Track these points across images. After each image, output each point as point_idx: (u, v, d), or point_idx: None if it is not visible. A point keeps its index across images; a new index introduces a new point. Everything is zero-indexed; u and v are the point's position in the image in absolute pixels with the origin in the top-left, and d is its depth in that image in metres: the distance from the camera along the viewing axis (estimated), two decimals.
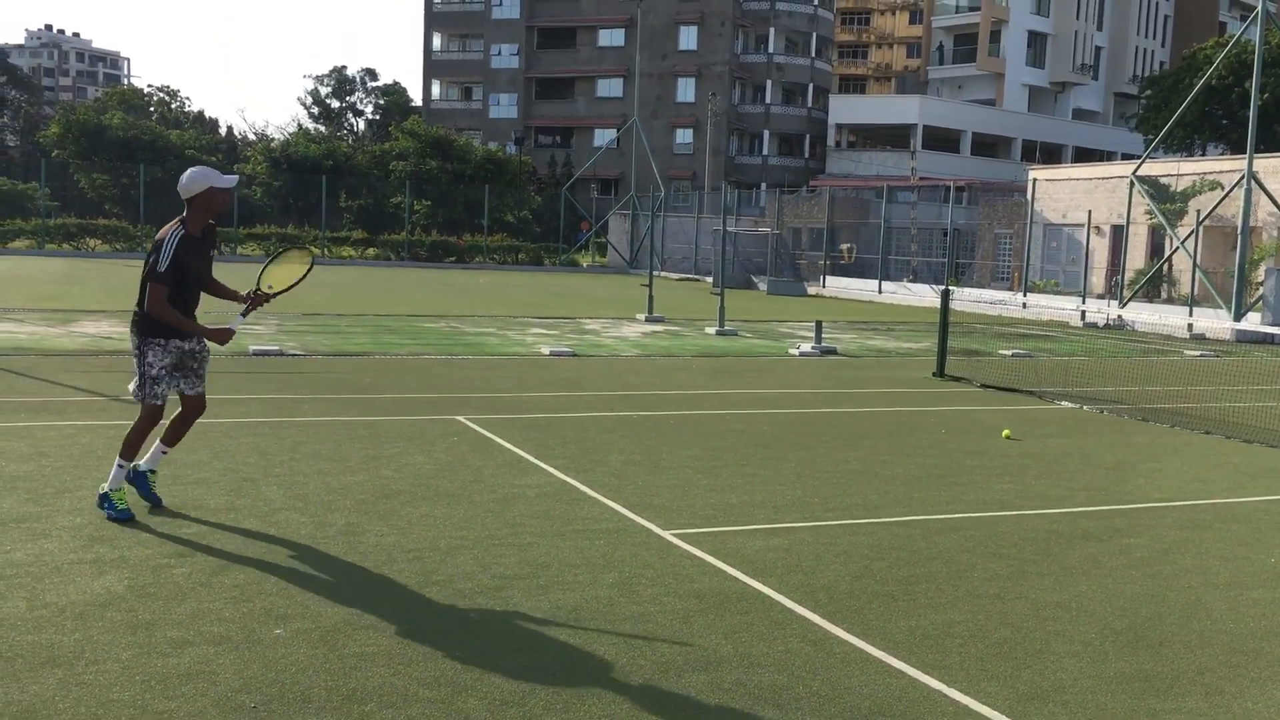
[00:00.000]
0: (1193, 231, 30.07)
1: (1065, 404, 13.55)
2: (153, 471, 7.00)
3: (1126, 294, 31.98)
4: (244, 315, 7.06)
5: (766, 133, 76.99)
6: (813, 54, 78.31)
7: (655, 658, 4.82)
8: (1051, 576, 6.28)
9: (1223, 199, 29.68)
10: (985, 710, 4.44)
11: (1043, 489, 8.61)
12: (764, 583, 5.93)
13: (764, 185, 70.17)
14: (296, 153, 59.03)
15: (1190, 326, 25.84)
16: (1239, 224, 27.45)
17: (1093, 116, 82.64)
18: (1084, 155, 72.99)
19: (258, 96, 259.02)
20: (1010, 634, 5.31)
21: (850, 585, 5.96)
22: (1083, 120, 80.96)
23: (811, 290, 41.55)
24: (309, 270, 7.24)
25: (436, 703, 4.29)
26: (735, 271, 40.83)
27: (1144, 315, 26.63)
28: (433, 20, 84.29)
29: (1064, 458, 9.99)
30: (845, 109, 76.81)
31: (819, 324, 19.61)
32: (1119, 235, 34.63)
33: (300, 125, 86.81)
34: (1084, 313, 28.91)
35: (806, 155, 77.45)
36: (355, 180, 58.03)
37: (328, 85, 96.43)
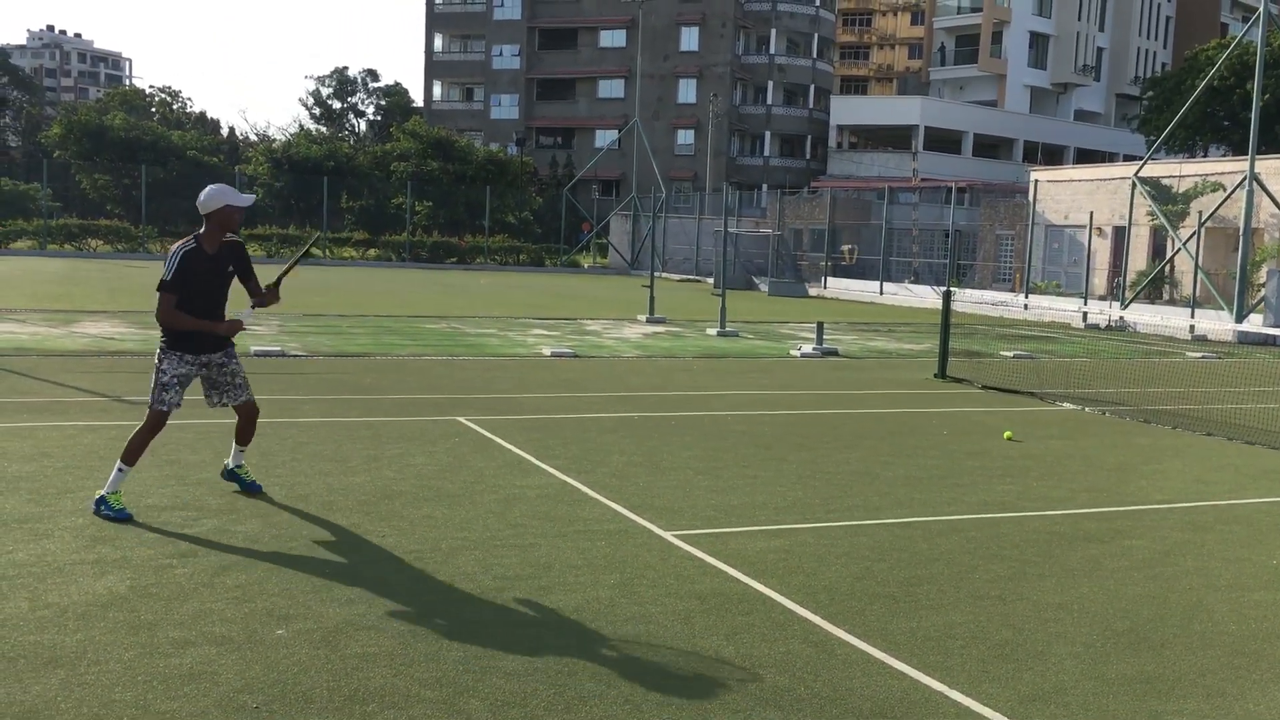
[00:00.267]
0: (1194, 233, 30.06)
1: (1067, 405, 13.55)
2: (240, 466, 7.39)
3: (1128, 295, 31.97)
4: (253, 308, 7.09)
5: (768, 134, 76.99)
6: (814, 55, 78.32)
7: (657, 659, 4.82)
8: (1053, 578, 6.28)
9: (1224, 200, 29.67)
10: (987, 712, 4.44)
11: (1044, 490, 8.61)
12: (765, 584, 5.93)
13: (765, 186, 70.19)
14: (298, 153, 59.03)
15: (1192, 328, 25.83)
16: (1241, 225, 27.44)
17: (1094, 118, 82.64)
18: (1086, 156, 72.98)
19: (259, 97, 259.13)
20: (1012, 635, 5.31)
21: (852, 586, 5.96)
22: (1084, 121, 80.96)
23: (813, 291, 41.55)
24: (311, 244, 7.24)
25: (438, 703, 4.29)
26: (736, 273, 40.83)
27: (1146, 317, 26.61)
28: (434, 21, 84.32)
29: (1066, 459, 9.98)
30: (847, 110, 76.83)
31: (820, 325, 19.61)
32: (1121, 236, 34.62)
33: (302, 126, 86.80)
34: (1086, 314, 28.90)
35: (808, 156, 77.45)
36: (356, 181, 58.03)
37: (329, 86, 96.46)
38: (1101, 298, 35.01)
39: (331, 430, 9.81)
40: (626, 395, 12.91)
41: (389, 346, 16.63)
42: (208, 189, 6.86)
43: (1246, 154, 27.87)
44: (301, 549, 6.20)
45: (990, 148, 75.45)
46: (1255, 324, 25.49)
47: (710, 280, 43.40)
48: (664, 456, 9.24)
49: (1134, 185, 31.85)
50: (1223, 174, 32.82)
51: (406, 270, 46.96)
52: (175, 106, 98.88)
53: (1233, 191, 28.90)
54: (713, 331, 21.70)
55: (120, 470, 6.75)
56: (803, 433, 10.81)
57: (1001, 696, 4.59)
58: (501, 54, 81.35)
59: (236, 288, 7.17)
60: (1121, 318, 28.00)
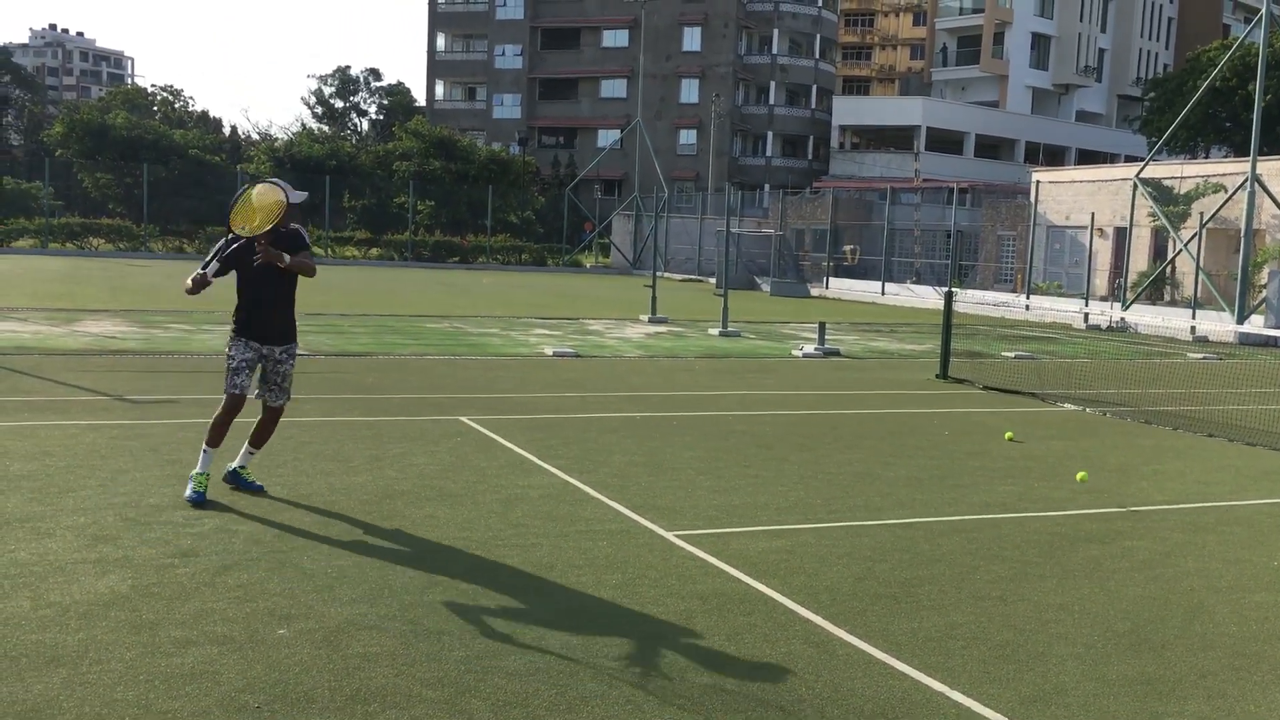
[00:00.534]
0: (1196, 234, 30.05)
1: (1068, 406, 13.55)
2: (243, 467, 7.51)
3: (1129, 296, 31.96)
4: (205, 265, 7.11)
5: (770, 134, 76.96)
6: (816, 55, 78.29)
7: (659, 659, 4.83)
8: (1054, 579, 6.28)
9: (1226, 201, 29.65)
10: (988, 713, 4.44)
11: (1045, 491, 8.61)
12: (767, 584, 5.93)
13: (767, 186, 70.14)
14: (300, 152, 59.03)
15: (1193, 329, 25.82)
16: (1242, 226, 27.43)
17: (1096, 118, 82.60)
18: (1087, 157, 72.94)
19: (262, 96, 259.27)
20: (1013, 636, 5.31)
21: (853, 587, 5.96)
22: (1086, 122, 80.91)
23: (814, 291, 41.55)
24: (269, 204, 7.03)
25: (440, 703, 4.30)
26: (738, 273, 40.82)
27: (1147, 318, 26.61)
28: (437, 20, 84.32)
29: (1067, 460, 9.98)
30: (849, 110, 76.80)
31: (822, 325, 19.61)
32: (1122, 237, 34.61)
33: (304, 125, 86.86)
34: (1087, 315, 28.90)
35: (810, 156, 77.43)
36: (359, 180, 58.03)
37: (331, 85, 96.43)
38: (1103, 299, 35.00)
39: (333, 430, 9.82)
40: (628, 395, 12.92)
41: (391, 346, 16.64)
42: (261, 184, 7.18)
43: (1248, 155, 27.85)
44: (303, 549, 6.21)
45: (992, 148, 75.42)
46: (1256, 325, 25.46)
47: (712, 280, 43.40)
48: (666, 457, 9.25)
49: (1135, 186, 31.83)
50: (1224, 175, 32.81)
51: (409, 270, 46.97)
52: (177, 105, 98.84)
53: (1234, 193, 28.88)
54: (715, 331, 21.70)
55: (206, 452, 7.12)
56: (804, 433, 10.81)
57: (1002, 697, 4.59)
58: (504, 53, 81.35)
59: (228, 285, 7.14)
60: (1123, 319, 27.99)
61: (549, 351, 16.90)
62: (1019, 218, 42.18)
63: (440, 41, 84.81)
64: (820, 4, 78.07)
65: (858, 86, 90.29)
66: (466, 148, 61.17)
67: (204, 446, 7.14)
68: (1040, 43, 78.67)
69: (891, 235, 42.03)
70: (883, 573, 6.25)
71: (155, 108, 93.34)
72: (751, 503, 7.77)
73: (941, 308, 16.31)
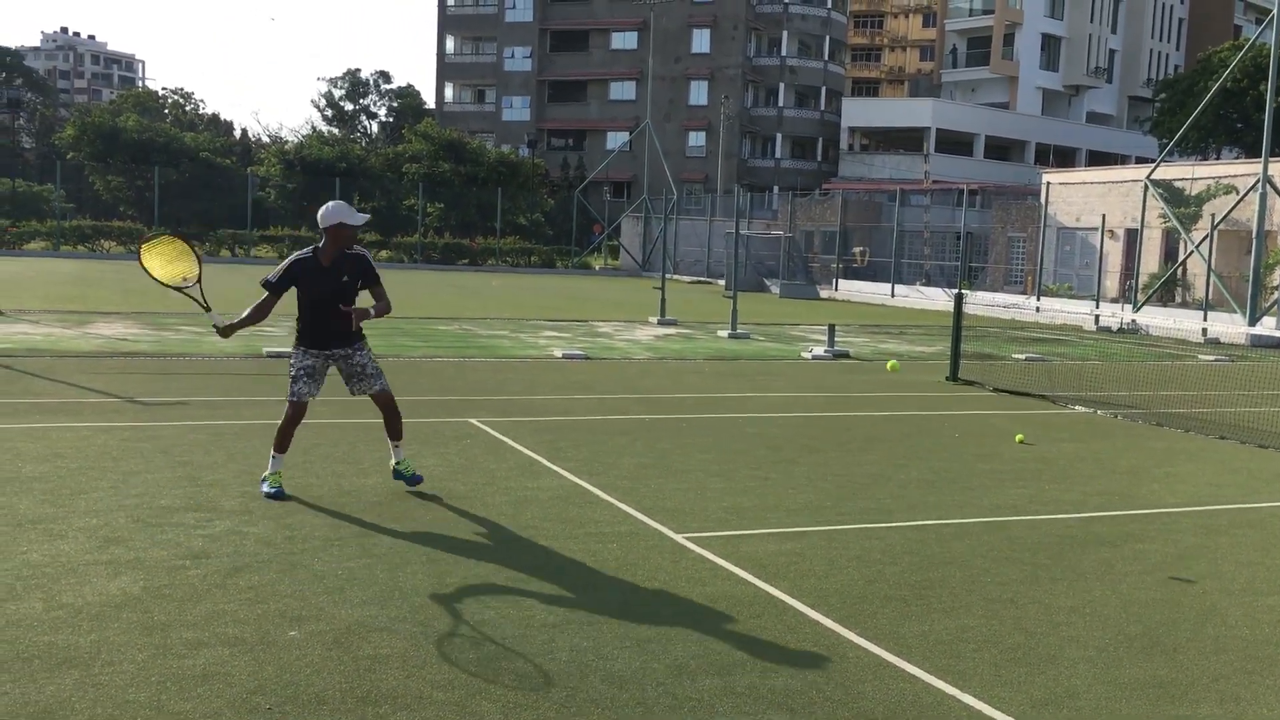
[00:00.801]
0: (1207, 235, 29.95)
1: (1079, 408, 13.52)
2: (400, 461, 7.67)
3: (1140, 298, 31.86)
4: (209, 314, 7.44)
5: (779, 136, 76.93)
6: (826, 57, 78.24)
7: (668, 661, 4.83)
8: (1065, 582, 6.27)
9: (1237, 203, 29.56)
10: (999, 716, 4.43)
11: (1056, 494, 8.59)
12: (777, 587, 5.93)
13: (776, 188, 70.14)
14: (310, 155, 59.18)
15: (1204, 331, 25.74)
16: (1254, 228, 27.33)
17: (1107, 120, 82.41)
18: (1098, 159, 72.79)
19: (272, 99, 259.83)
20: (1024, 639, 5.30)
21: (863, 590, 5.95)
22: (1097, 123, 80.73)
23: (824, 293, 41.50)
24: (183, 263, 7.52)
25: (450, 705, 4.30)
26: (748, 274, 40.82)
27: (1158, 319, 26.53)
28: (446, 23, 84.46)
29: (1078, 462, 9.96)
30: (858, 112, 76.74)
31: (831, 327, 19.59)
32: (1133, 239, 34.51)
33: (314, 128, 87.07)
34: (1098, 317, 28.82)
35: (819, 158, 77.38)
36: (368, 182, 58.16)
37: (341, 88, 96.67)
38: (1113, 300, 34.90)
39: (343, 432, 9.84)
40: (638, 397, 12.92)
41: (401, 348, 16.66)
42: (326, 205, 7.33)
43: (1259, 156, 27.74)
44: (314, 550, 6.22)
45: (1002, 150, 75.29)
46: (1268, 327, 25.37)
47: (721, 282, 43.39)
48: (675, 459, 9.24)
49: (1146, 188, 31.74)
50: (1236, 176, 32.69)
51: (418, 271, 47.05)
52: (188, 108, 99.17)
53: (1246, 194, 28.79)
54: (724, 333, 21.69)
55: (274, 457, 7.36)
56: (814, 435, 10.80)
57: (1014, 701, 4.58)
58: (513, 56, 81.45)
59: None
60: (1134, 320, 27.91)
61: (558, 354, 16.91)
62: (1029, 219, 42.09)
63: (450, 44, 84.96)
64: (829, 6, 78.01)
65: (867, 88, 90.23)
66: (476, 150, 61.27)
67: (272, 452, 7.38)
68: (1050, 44, 78.51)
69: (901, 237, 41.98)
70: (893, 575, 6.24)
71: (166, 111, 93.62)
72: (761, 505, 7.76)
73: (951, 309, 16.28)
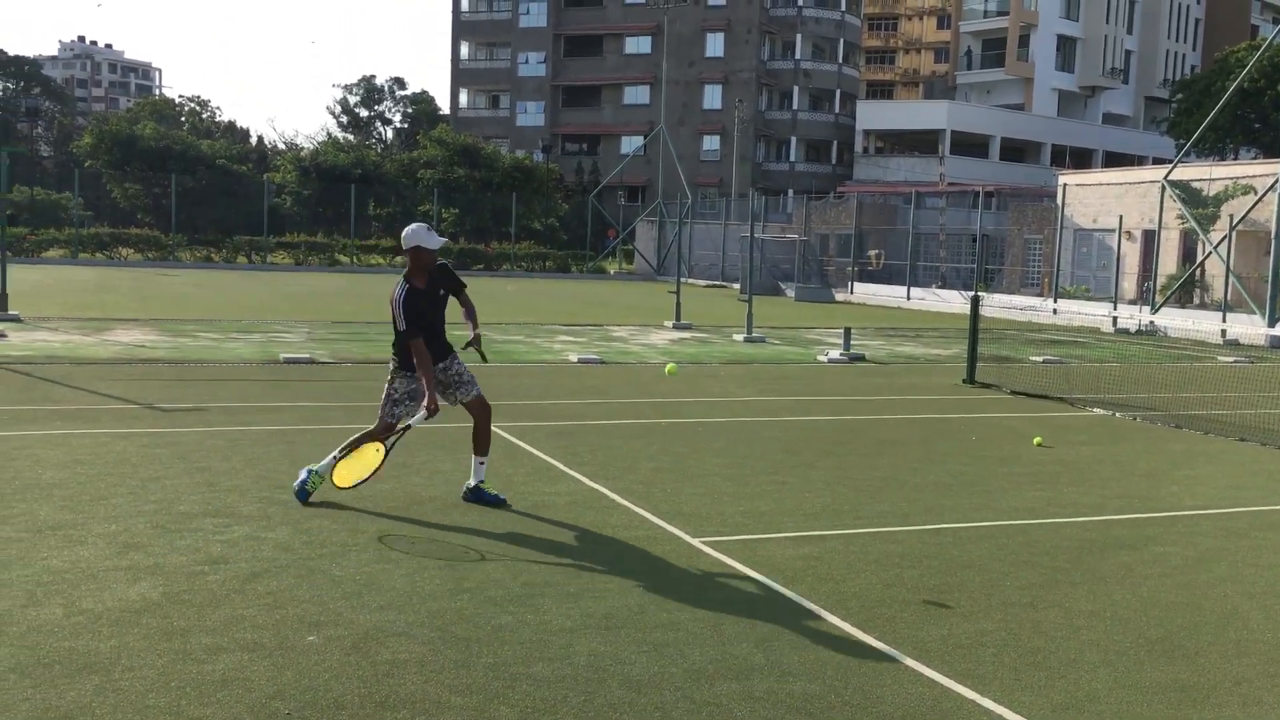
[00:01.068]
0: (1225, 236, 29.78)
1: (1097, 411, 13.45)
2: (483, 481, 7.58)
3: (1158, 299, 31.70)
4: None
5: (794, 139, 76.85)
6: (840, 60, 78.14)
7: (686, 666, 4.82)
8: (1085, 585, 6.23)
9: (1256, 203, 29.37)
10: None
11: (1075, 497, 8.54)
12: (795, 591, 5.91)
13: (791, 192, 70.04)
14: (326, 162, 59.40)
15: (1224, 332, 25.58)
16: (1273, 228, 27.16)
17: (1123, 121, 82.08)
18: (1114, 160, 72.47)
19: (287, 106, 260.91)
20: (1044, 643, 5.27)
21: (882, 594, 5.93)
22: (1113, 124, 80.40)
23: (839, 297, 41.42)
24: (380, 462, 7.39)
25: (468, 710, 4.30)
26: (763, 278, 40.76)
27: (1176, 321, 26.38)
28: (460, 29, 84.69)
29: (1096, 465, 9.91)
30: (873, 115, 76.61)
31: (847, 330, 19.55)
32: (1150, 240, 34.34)
33: (329, 134, 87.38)
34: (1115, 318, 28.67)
35: (834, 161, 77.26)
36: (384, 188, 58.35)
37: (356, 94, 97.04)
38: (1131, 302, 34.72)
39: None
40: (653, 401, 12.91)
41: None
42: (408, 229, 7.40)
43: (1278, 156, 27.59)
44: (332, 556, 6.23)
45: (1018, 151, 75.03)
46: None
47: (736, 286, 43.35)
48: (692, 463, 9.24)
49: (1164, 188, 31.59)
50: (1254, 177, 32.48)
51: None
52: (204, 116, 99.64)
53: (1264, 194, 28.61)
54: (740, 337, 21.67)
55: (334, 456, 7.39)
56: (831, 439, 10.78)
57: (1034, 705, 4.56)
58: (527, 61, 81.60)
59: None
60: (1152, 322, 27.75)
61: (574, 358, 16.92)
62: (1045, 221, 41.93)
63: (464, 50, 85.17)
64: (844, 8, 77.91)
65: (882, 91, 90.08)
66: (490, 155, 61.39)
67: (335, 452, 7.44)
68: (1066, 45, 78.24)
69: (917, 239, 41.86)
70: (912, 579, 6.21)
71: (183, 118, 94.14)
72: (778, 509, 7.74)
73: (967, 312, 16.22)
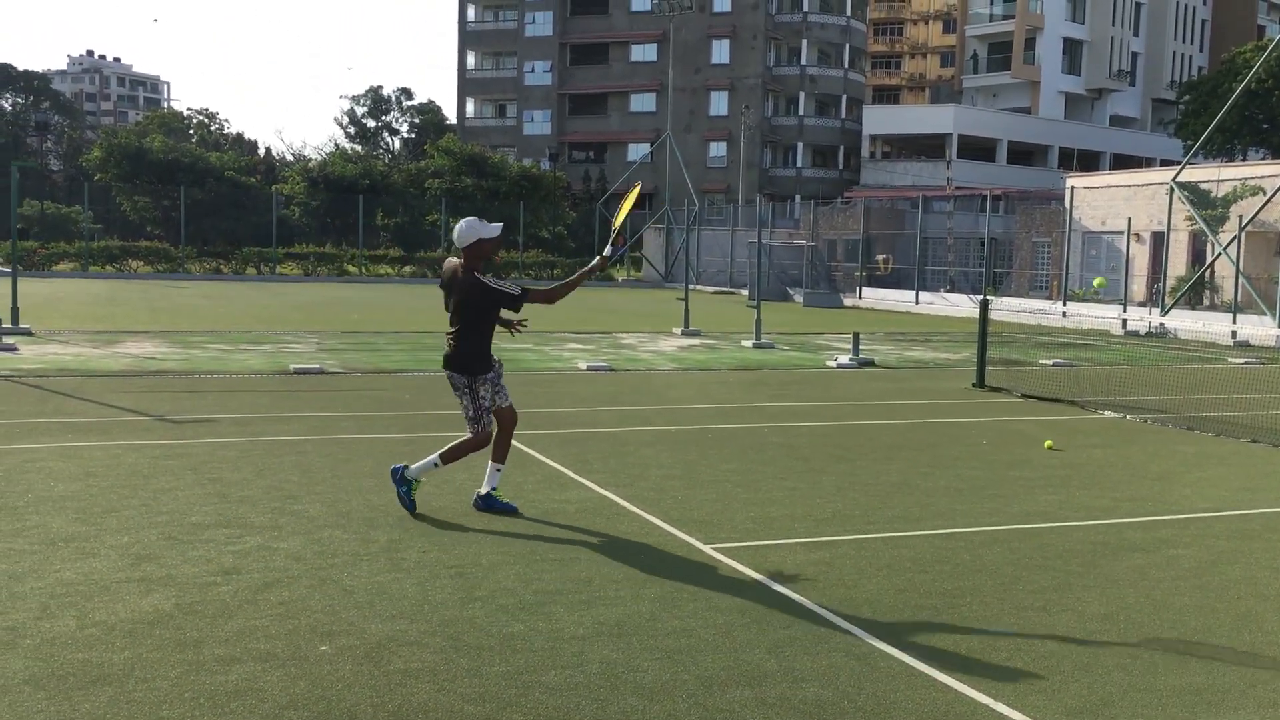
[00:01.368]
0: (1235, 237, 29.69)
1: (1108, 413, 13.42)
2: (495, 489, 7.58)
3: (1168, 301, 31.61)
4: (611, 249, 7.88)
5: (800, 145, 76.87)
6: (846, 65, 78.18)
7: (698, 672, 4.81)
8: (1098, 589, 6.21)
9: (1265, 204, 29.28)
10: None
11: (1087, 500, 8.52)
12: (806, 596, 5.90)
13: (798, 197, 70.02)
14: (333, 172, 59.57)
15: (1234, 333, 25.49)
16: None
17: (1130, 123, 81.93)
18: (1122, 162, 72.30)
19: (295, 117, 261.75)
20: (1057, 647, 5.26)
21: (894, 599, 5.92)
22: (1120, 127, 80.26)
23: (848, 302, 41.39)
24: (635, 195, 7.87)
25: (481, 719, 4.30)
26: (771, 284, 40.74)
27: (1186, 322, 26.30)
28: (467, 39, 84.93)
29: (1108, 468, 9.88)
30: (879, 119, 76.59)
31: (856, 335, 19.53)
32: (1159, 242, 34.25)
33: (337, 145, 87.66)
34: (1125, 321, 28.60)
35: (841, 166, 77.26)
36: (391, 199, 58.48)
37: (364, 105, 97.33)
38: (1141, 304, 34.64)
39: (370, 446, 9.88)
40: (663, 408, 12.91)
41: (426, 363, 16.72)
42: (458, 226, 7.32)
43: None
44: (344, 565, 6.24)
45: (1025, 154, 74.95)
46: None
47: (744, 292, 43.34)
48: (702, 469, 9.23)
49: (1172, 190, 31.52)
50: (1262, 177, 32.40)
51: None
52: (213, 128, 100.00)
53: (1273, 195, 28.53)
54: (748, 343, 21.66)
55: (436, 465, 7.46)
56: (841, 444, 10.76)
57: (1048, 709, 4.54)
58: (534, 70, 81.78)
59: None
60: (1161, 324, 27.68)
61: (583, 366, 16.93)
62: (1054, 224, 41.86)
63: (470, 59, 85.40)
64: (849, 14, 77.98)
65: (888, 95, 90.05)
66: (497, 164, 61.52)
67: (434, 458, 7.44)
68: (1072, 47, 78.17)
69: (925, 244, 41.82)
70: (924, 584, 6.20)
71: (191, 131, 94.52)
72: (789, 514, 7.74)
73: (976, 316, 16.20)
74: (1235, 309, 29.45)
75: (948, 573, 6.43)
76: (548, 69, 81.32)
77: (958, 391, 15.29)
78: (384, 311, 28.64)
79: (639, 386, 15.00)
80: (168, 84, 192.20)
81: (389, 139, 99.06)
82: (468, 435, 7.51)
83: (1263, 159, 50.02)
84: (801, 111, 76.82)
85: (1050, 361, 19.75)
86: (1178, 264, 34.72)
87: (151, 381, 13.90)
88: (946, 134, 71.42)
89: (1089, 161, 73.93)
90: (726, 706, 4.48)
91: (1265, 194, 30.19)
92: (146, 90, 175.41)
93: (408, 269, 53.52)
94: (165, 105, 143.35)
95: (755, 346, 21.31)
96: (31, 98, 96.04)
